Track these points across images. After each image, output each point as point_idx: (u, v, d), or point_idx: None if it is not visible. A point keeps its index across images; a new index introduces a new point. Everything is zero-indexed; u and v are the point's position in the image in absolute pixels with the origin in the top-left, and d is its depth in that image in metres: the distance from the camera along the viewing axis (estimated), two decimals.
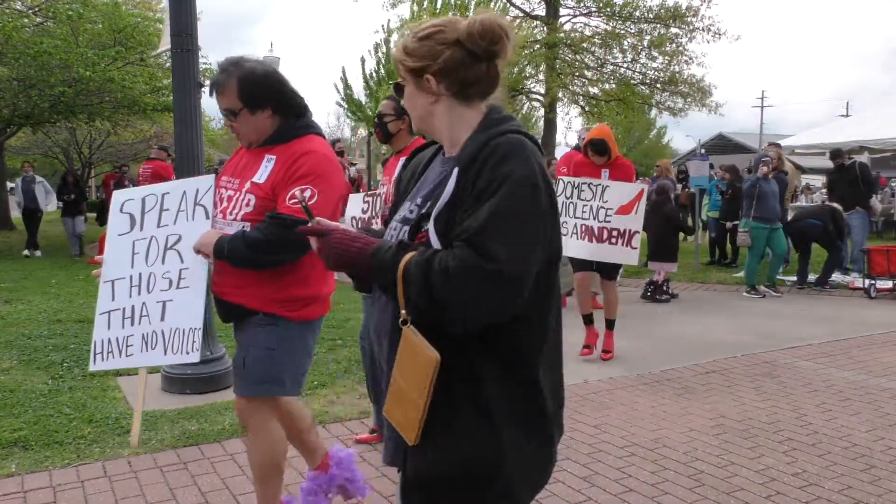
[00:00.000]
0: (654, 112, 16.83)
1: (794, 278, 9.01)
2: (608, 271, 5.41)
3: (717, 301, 8.03)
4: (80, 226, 12.89)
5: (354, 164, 12.37)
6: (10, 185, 20.84)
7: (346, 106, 28.29)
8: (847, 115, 37.04)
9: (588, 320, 5.40)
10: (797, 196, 10.60)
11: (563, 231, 4.93)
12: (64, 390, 4.31)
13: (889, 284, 8.29)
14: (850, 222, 9.25)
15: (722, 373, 5.03)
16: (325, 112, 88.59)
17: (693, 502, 2.97)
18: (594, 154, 5.33)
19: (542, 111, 18.73)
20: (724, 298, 8.18)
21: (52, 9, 12.56)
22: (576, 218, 5.19)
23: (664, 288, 8.07)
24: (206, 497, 2.96)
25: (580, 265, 5.35)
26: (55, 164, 26.15)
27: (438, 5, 18.55)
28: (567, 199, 5.23)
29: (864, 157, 12.05)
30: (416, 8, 17.36)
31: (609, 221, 5.09)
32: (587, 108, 17.21)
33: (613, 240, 5.07)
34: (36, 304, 7.19)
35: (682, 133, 70.94)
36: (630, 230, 5.08)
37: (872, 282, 8.28)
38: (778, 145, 10.52)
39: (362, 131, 33.96)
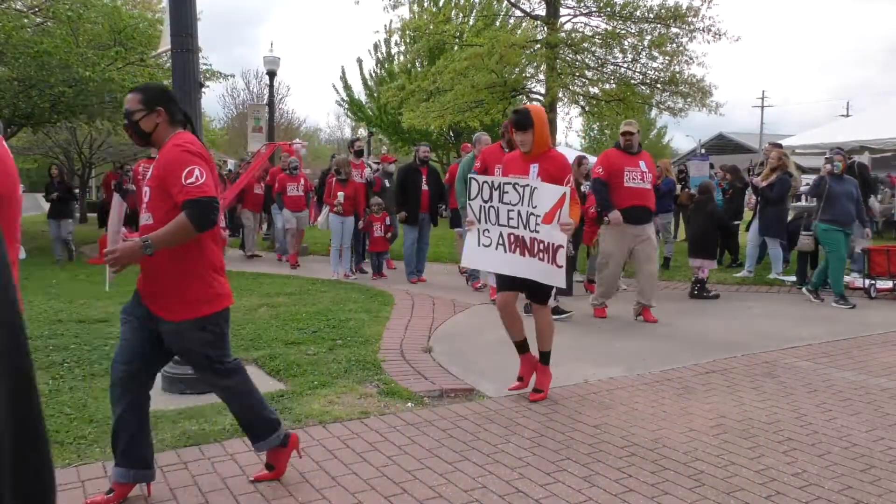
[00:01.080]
0: (654, 112, 16.82)
1: (794, 278, 9.01)
2: (538, 294, 4.38)
3: (717, 301, 8.03)
4: (66, 229, 11.52)
5: (373, 166, 11.78)
6: None
7: (346, 105, 28.34)
8: (847, 115, 37.07)
9: (521, 348, 4.49)
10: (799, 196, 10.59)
11: (487, 241, 4.32)
12: (65, 390, 4.31)
13: (889, 284, 8.29)
14: None
15: (722, 373, 5.03)
16: (326, 112, 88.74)
17: (693, 502, 2.97)
18: (517, 130, 4.31)
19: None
20: (724, 298, 8.18)
21: (53, 9, 12.57)
22: (500, 226, 4.26)
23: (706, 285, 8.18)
24: (207, 497, 2.97)
25: (504, 283, 4.40)
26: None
27: (440, 4, 18.57)
28: (485, 202, 4.30)
29: (864, 157, 12.05)
30: (416, 9, 17.34)
31: (538, 232, 4.15)
32: (587, 108, 17.20)
33: (542, 255, 4.15)
34: (37, 304, 7.19)
35: (683, 133, 70.86)
36: (553, 244, 4.12)
37: (872, 282, 8.27)
38: (779, 145, 10.52)
39: (362, 131, 33.97)
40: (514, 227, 4.20)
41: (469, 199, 4.40)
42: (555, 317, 5.61)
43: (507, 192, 4.20)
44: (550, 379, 4.47)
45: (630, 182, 6.55)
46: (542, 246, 4.12)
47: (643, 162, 6.70)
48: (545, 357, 4.46)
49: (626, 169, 6.56)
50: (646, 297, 6.74)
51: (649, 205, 6.68)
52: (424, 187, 9.32)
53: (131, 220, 13.27)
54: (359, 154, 10.74)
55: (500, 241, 4.25)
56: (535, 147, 4.31)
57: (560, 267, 4.13)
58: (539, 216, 4.11)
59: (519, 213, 4.17)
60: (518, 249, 4.19)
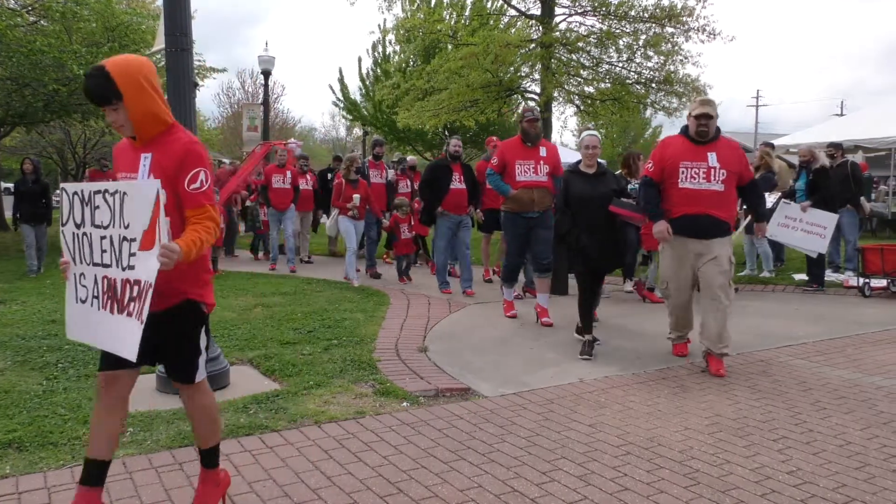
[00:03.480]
0: (649, 111, 16.83)
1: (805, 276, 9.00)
2: (178, 367, 2.76)
3: None
4: (42, 234, 9.92)
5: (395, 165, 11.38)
6: (4, 185, 20.76)
7: (342, 105, 28.30)
8: (841, 115, 37.22)
9: (94, 476, 2.63)
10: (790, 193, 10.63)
11: (83, 294, 2.64)
12: (59, 391, 4.29)
13: (883, 283, 8.32)
14: (840, 221, 9.28)
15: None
16: (321, 112, 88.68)
17: (688, 501, 2.98)
18: (99, 106, 2.58)
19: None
20: None
21: (45, 6, 12.52)
22: (95, 265, 2.58)
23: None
24: None
25: (108, 362, 2.58)
26: (49, 164, 26.08)
27: (432, 3, 18.54)
28: (77, 227, 2.64)
29: (858, 157, 12.10)
30: (409, 7, 17.33)
31: (132, 268, 2.43)
32: (583, 108, 17.22)
33: (124, 310, 2.45)
34: (31, 304, 7.17)
35: (678, 132, 71.03)
36: (141, 283, 2.40)
37: (867, 280, 8.30)
38: (771, 145, 10.55)
39: (357, 130, 33.96)
40: (107, 266, 2.54)
41: (61, 225, 2.74)
42: (583, 356, 5.30)
43: (98, 207, 2.56)
44: (221, 492, 2.88)
45: (688, 182, 4.99)
46: (133, 292, 2.43)
47: (714, 154, 4.98)
48: (209, 458, 2.85)
49: (682, 164, 5.00)
50: (710, 338, 5.02)
51: (718, 213, 4.97)
52: (459, 185, 8.07)
53: None
54: (377, 157, 10.35)
55: (95, 293, 2.58)
56: (139, 126, 2.56)
57: (131, 319, 2.41)
58: (135, 240, 2.44)
59: (111, 240, 2.51)
60: (109, 304, 2.52)
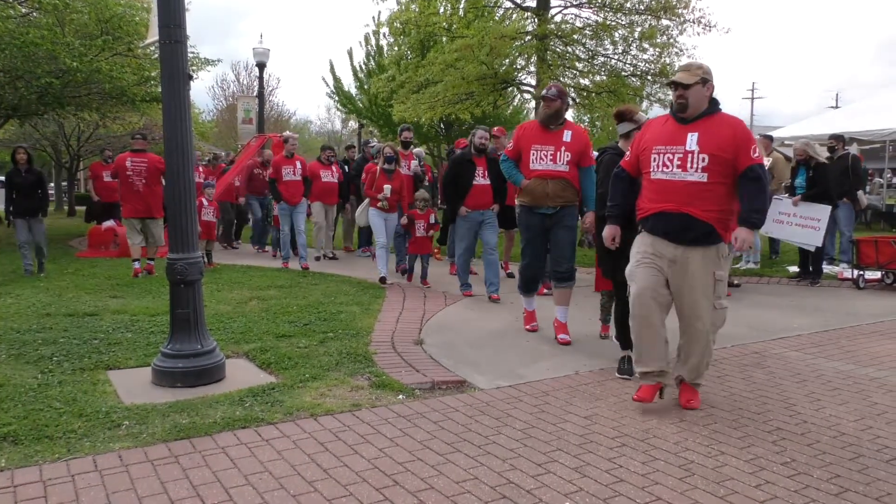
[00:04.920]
0: (645, 104, 16.82)
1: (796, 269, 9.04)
2: None
3: None
4: (39, 230, 8.95)
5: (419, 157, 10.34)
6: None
7: (336, 98, 28.24)
8: (836, 107, 37.27)
9: None
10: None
11: None
12: (54, 384, 4.28)
13: (877, 275, 8.36)
14: (837, 214, 9.31)
15: (712, 363, 5.03)
16: (316, 104, 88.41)
17: (683, 492, 2.99)
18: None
19: (533, 103, 18.73)
20: None
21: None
22: None
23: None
24: (198, 490, 2.96)
25: None
26: (44, 156, 25.96)
27: None
28: None
29: (853, 149, 12.13)
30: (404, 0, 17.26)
31: None
32: (578, 100, 17.20)
33: None
34: (25, 297, 7.14)
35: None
36: None
37: (861, 272, 8.33)
38: (770, 138, 10.55)
39: (353, 123, 33.87)
40: None
41: None
42: (622, 376, 4.63)
43: None
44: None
45: (660, 171, 3.92)
46: None
47: (696, 135, 3.83)
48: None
49: (654, 149, 3.95)
50: (686, 366, 4.14)
51: (696, 211, 3.81)
52: (483, 181, 7.38)
53: (107, 213, 13.11)
54: (406, 144, 9.53)
55: None
56: None
57: None
58: None
59: None
60: None
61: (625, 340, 4.66)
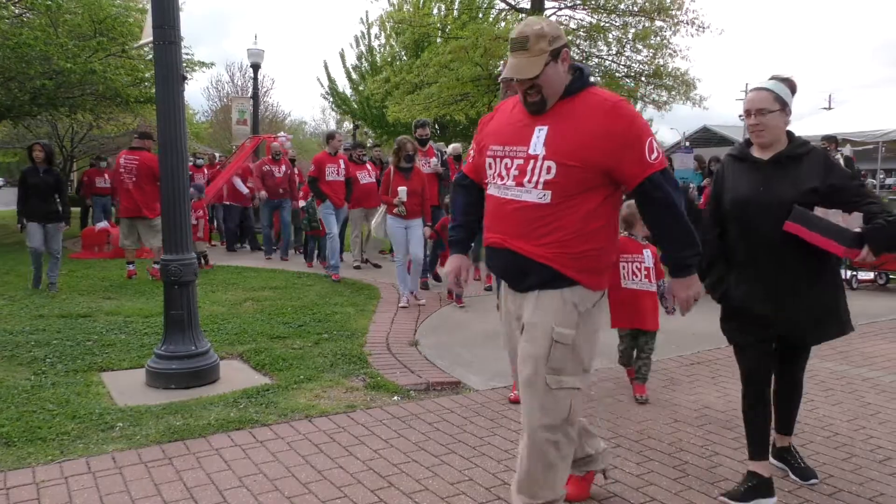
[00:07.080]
0: (639, 105, 16.88)
1: None
2: None
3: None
4: (55, 238, 7.71)
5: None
6: None
7: (331, 99, 28.24)
8: (830, 108, 37.42)
9: None
10: None
11: None
12: (47, 386, 4.26)
13: (870, 276, 8.39)
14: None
15: (706, 364, 5.07)
16: (311, 105, 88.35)
17: (678, 493, 3.00)
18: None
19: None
20: None
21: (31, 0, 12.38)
22: None
23: None
24: (192, 492, 2.95)
25: None
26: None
27: None
28: None
29: (846, 150, 12.19)
30: (396, 0, 17.29)
31: None
32: None
33: None
34: (18, 299, 7.11)
35: (667, 126, 71.51)
36: None
37: (854, 273, 8.37)
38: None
39: (347, 124, 33.83)
40: None
41: None
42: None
43: None
44: None
45: (493, 185, 2.52)
46: None
47: (545, 131, 2.37)
48: None
49: (491, 149, 2.54)
50: (516, 482, 2.52)
51: (527, 246, 2.39)
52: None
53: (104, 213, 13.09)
54: (423, 142, 8.23)
55: None
56: None
57: None
58: None
59: None
60: None
61: (756, 452, 3.03)
